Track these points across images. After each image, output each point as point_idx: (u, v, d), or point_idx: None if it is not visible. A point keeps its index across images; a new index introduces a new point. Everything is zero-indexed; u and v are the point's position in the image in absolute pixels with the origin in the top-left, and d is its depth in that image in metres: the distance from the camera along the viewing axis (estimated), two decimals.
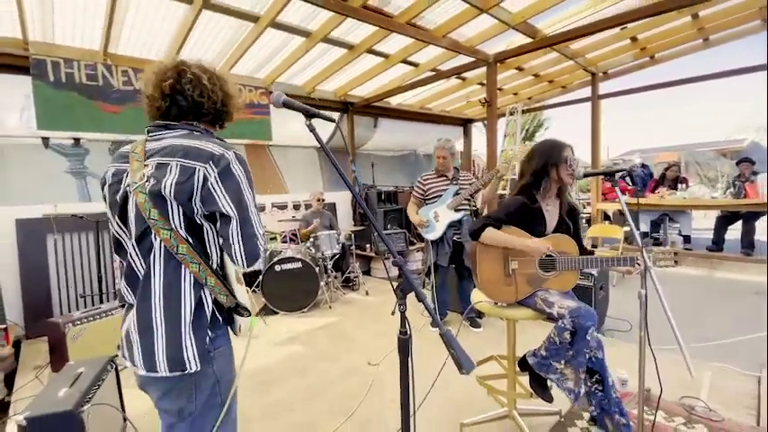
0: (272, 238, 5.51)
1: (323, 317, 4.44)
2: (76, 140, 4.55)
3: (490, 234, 2.07)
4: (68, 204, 4.30)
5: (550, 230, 2.14)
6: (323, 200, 5.57)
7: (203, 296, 1.16)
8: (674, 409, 2.35)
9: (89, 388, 1.98)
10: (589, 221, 7.56)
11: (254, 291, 4.71)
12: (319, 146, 1.16)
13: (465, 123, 9.18)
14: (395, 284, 1.15)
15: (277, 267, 4.46)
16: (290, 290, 4.51)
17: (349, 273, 5.56)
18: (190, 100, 1.21)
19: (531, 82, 7.36)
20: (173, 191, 1.08)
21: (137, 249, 1.16)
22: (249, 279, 4.90)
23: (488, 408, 2.35)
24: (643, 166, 8.21)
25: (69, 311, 4.01)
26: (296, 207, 6.33)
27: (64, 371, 2.17)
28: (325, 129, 5.06)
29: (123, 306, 1.24)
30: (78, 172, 4.62)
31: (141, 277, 1.14)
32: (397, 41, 5.00)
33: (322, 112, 1.23)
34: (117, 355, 2.29)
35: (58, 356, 3.07)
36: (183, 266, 1.13)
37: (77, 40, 4.05)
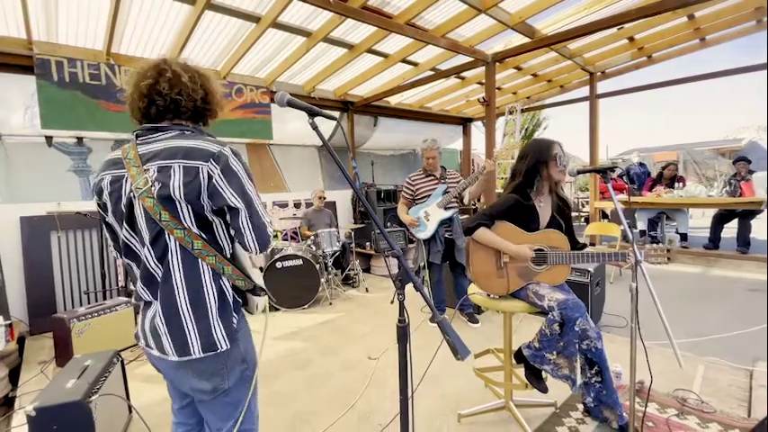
0: (273, 236, 5.56)
1: (323, 313, 4.49)
2: (80, 139, 4.61)
3: (481, 233, 2.16)
4: (72, 202, 4.35)
5: (543, 226, 2.21)
6: (324, 198, 5.62)
7: (223, 284, 1.23)
8: (666, 402, 2.40)
9: (96, 379, 2.04)
10: (587, 219, 7.62)
11: None
12: (320, 144, 1.21)
13: (464, 122, 9.23)
14: (394, 276, 1.21)
15: (278, 264, 4.51)
16: (291, 287, 4.56)
17: (349, 270, 5.62)
18: (167, 99, 1.21)
19: (529, 81, 7.42)
20: (182, 191, 1.12)
21: (152, 252, 1.18)
22: None
23: (486, 400, 2.41)
24: (640, 164, 8.27)
25: (73, 308, 4.06)
26: (296, 205, 6.38)
27: (71, 364, 2.23)
28: (325, 127, 5.12)
29: (130, 302, 1.28)
30: (81, 170, 4.68)
31: (160, 276, 1.19)
32: (396, 41, 5.05)
33: (324, 110, 1.26)
34: (123, 349, 2.35)
35: (63, 351, 3.12)
36: (199, 260, 1.18)
37: (81, 40, 4.10)
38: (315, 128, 1.23)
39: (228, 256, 1.26)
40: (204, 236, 1.19)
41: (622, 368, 2.58)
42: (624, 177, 7.98)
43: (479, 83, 6.83)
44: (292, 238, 5.84)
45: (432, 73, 5.99)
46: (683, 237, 6.69)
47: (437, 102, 7.83)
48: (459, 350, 1.06)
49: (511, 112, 8.14)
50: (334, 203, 6.72)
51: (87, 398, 1.88)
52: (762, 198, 5.46)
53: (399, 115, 7.73)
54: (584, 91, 7.48)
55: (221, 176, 1.15)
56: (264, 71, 5.44)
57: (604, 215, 7.71)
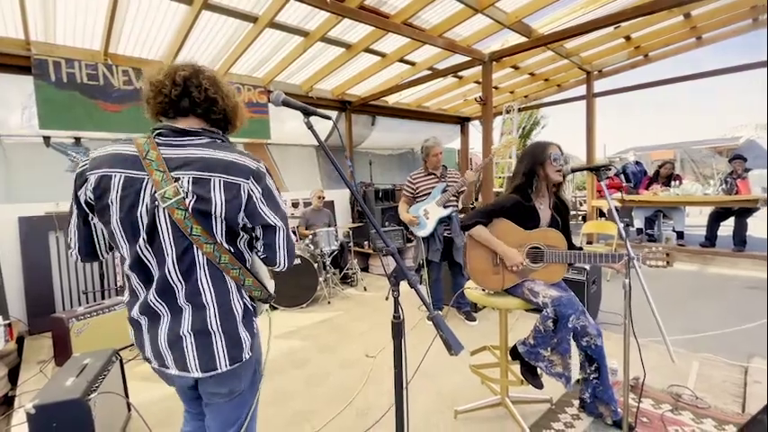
0: None
1: (322, 312, 4.51)
2: (77, 139, 4.61)
3: (478, 231, 2.19)
4: (70, 202, 4.34)
5: (544, 226, 2.23)
6: (323, 197, 5.63)
7: (244, 295, 1.22)
8: (661, 397, 2.43)
9: (95, 378, 2.05)
10: (585, 218, 7.65)
11: None
12: (317, 144, 1.23)
13: (462, 122, 9.25)
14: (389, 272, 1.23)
15: None
16: (290, 286, 4.57)
17: (347, 269, 5.64)
18: (204, 94, 1.15)
19: (526, 80, 7.44)
20: (224, 210, 1.08)
21: (176, 266, 1.11)
22: None
23: (482, 396, 2.43)
24: (637, 163, 8.30)
25: (72, 307, 4.07)
26: (294, 205, 6.39)
27: (70, 363, 2.24)
28: (323, 127, 5.14)
29: (129, 304, 1.20)
30: None
31: (184, 291, 1.13)
32: (393, 41, 5.06)
33: (319, 110, 1.27)
34: (122, 348, 2.35)
35: (62, 351, 3.14)
36: (224, 273, 1.16)
37: (78, 41, 4.10)
38: (310, 127, 1.24)
39: (249, 267, 1.24)
40: (232, 249, 1.17)
41: (618, 365, 2.61)
42: (621, 176, 8.02)
43: (477, 82, 6.85)
44: None
45: (429, 72, 6.01)
46: (680, 235, 6.73)
47: (435, 101, 7.85)
48: (452, 345, 1.07)
49: (508, 112, 8.16)
50: (332, 203, 6.73)
51: (86, 396, 1.90)
52: (757, 196, 5.50)
53: (397, 114, 7.75)
54: (582, 90, 7.51)
55: (262, 198, 1.14)
56: (262, 71, 5.45)
57: (602, 213, 7.74)
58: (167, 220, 1.08)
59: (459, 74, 6.43)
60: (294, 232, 5.69)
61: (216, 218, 1.09)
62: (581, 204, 10.95)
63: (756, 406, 2.27)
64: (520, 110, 8.36)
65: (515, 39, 5.08)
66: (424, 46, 5.06)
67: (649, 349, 2.98)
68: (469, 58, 5.13)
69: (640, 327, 1.85)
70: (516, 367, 2.29)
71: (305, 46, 4.68)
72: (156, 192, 1.06)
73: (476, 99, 5.44)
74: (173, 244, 1.09)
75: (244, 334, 1.19)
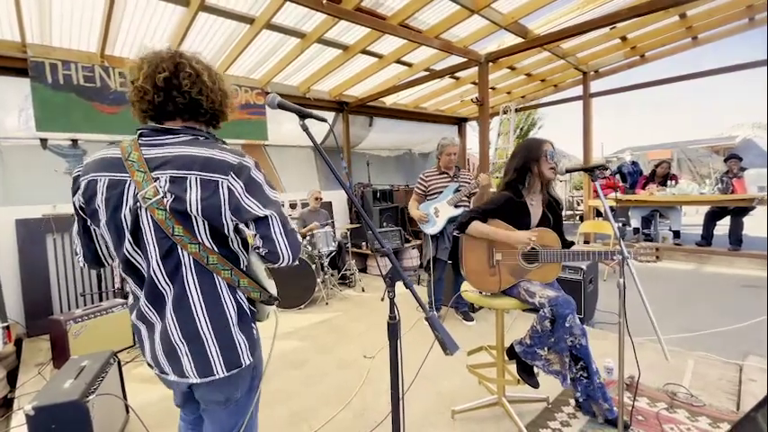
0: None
1: (320, 313, 4.52)
2: (74, 141, 4.60)
3: (476, 226, 2.17)
4: (67, 204, 4.34)
5: (535, 224, 2.25)
6: (320, 198, 5.64)
7: (239, 297, 1.18)
8: (657, 396, 2.44)
9: (93, 379, 2.05)
10: (582, 218, 7.67)
11: None
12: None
13: (459, 122, 9.28)
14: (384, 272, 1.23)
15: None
16: (288, 287, 4.57)
17: (345, 270, 5.64)
18: (187, 97, 1.12)
19: (523, 81, 7.46)
20: (199, 208, 1.04)
21: (162, 268, 1.09)
22: None
23: (480, 396, 2.44)
24: (633, 163, 8.33)
25: (69, 310, 4.07)
26: (292, 206, 6.39)
27: (68, 365, 2.25)
28: (321, 129, 5.14)
29: (126, 303, 1.22)
30: None
31: (171, 295, 1.10)
32: (390, 42, 5.08)
33: (315, 112, 1.25)
34: (120, 350, 2.35)
35: (60, 353, 3.14)
36: (214, 275, 1.12)
37: (75, 43, 4.11)
38: (305, 129, 1.24)
39: (244, 268, 1.20)
40: (219, 250, 1.12)
41: (614, 364, 2.62)
42: (617, 175, 8.05)
43: (473, 83, 6.86)
44: None
45: (426, 73, 6.02)
46: (677, 234, 6.75)
47: (432, 102, 7.87)
48: (447, 345, 1.08)
49: (505, 112, 8.18)
50: (330, 203, 6.74)
51: (84, 398, 1.90)
52: (753, 195, 5.53)
53: (395, 115, 7.77)
54: (578, 90, 7.55)
55: (245, 192, 1.07)
56: (259, 72, 5.46)
57: (599, 213, 7.77)
58: (149, 221, 1.06)
59: (457, 75, 6.45)
60: None
61: (194, 217, 1.06)
62: (578, 204, 10.99)
63: (751, 404, 2.28)
64: (517, 110, 8.38)
65: (512, 39, 5.10)
66: (420, 47, 5.08)
67: (646, 348, 3.00)
68: (466, 59, 5.15)
69: (637, 326, 1.87)
70: (513, 367, 2.30)
71: (302, 47, 4.69)
72: (137, 192, 1.05)
73: (472, 100, 5.46)
74: (156, 245, 1.08)
75: (239, 337, 1.15)
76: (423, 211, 3.86)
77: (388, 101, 7.34)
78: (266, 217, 1.09)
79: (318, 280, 4.78)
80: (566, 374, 2.01)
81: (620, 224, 7.42)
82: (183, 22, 3.86)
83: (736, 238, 5.90)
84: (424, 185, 3.91)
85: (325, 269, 5.07)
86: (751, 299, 4.19)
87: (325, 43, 4.83)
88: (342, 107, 6.83)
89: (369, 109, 7.15)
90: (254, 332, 1.23)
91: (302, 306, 4.66)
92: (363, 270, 6.46)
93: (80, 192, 1.11)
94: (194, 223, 1.07)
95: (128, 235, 1.09)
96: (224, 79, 1.25)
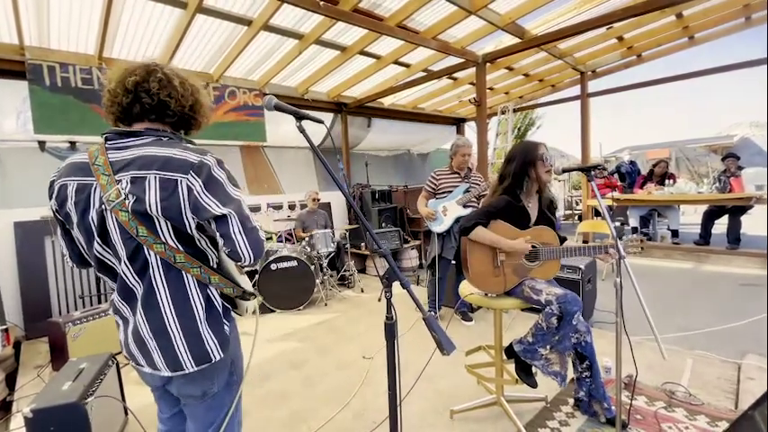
0: (268, 238, 5.57)
1: (319, 314, 4.52)
2: (72, 143, 4.60)
3: (480, 233, 2.18)
4: None
5: (533, 224, 2.26)
6: (318, 199, 5.64)
7: (210, 293, 1.19)
8: (655, 395, 2.45)
9: (92, 382, 2.05)
10: (580, 217, 7.68)
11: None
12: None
13: (458, 123, 9.27)
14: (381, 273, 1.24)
15: (273, 266, 4.53)
16: (287, 288, 4.58)
17: (344, 271, 5.64)
18: (155, 99, 1.14)
19: (521, 81, 7.48)
20: (159, 208, 1.05)
21: (130, 267, 1.11)
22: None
23: (479, 396, 2.45)
24: (631, 162, 8.35)
25: (68, 312, 4.06)
26: (291, 207, 6.40)
27: (66, 367, 2.25)
28: (319, 130, 5.15)
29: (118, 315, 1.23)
30: None
31: (140, 292, 1.13)
32: (388, 43, 5.08)
33: (311, 114, 1.26)
34: (119, 352, 2.35)
35: (59, 355, 3.14)
36: (183, 272, 1.13)
37: (72, 45, 4.11)
38: (302, 131, 1.25)
39: (214, 265, 1.21)
40: (185, 249, 1.13)
41: (612, 363, 2.63)
42: (615, 175, 8.06)
43: (471, 83, 6.87)
44: (287, 239, 5.86)
45: (424, 74, 6.03)
46: (675, 233, 6.76)
47: (430, 102, 7.87)
48: (444, 345, 1.09)
49: (503, 112, 8.19)
50: (329, 204, 6.75)
51: (83, 400, 1.90)
52: (750, 194, 5.54)
53: (393, 116, 7.77)
54: (576, 90, 7.57)
55: (204, 190, 1.06)
56: (257, 73, 5.46)
57: (597, 213, 7.78)
58: (115, 223, 1.08)
59: (454, 75, 6.46)
60: (291, 234, 5.70)
61: (156, 218, 1.07)
62: (576, 204, 11.00)
63: (749, 402, 2.28)
64: (515, 110, 8.40)
65: (509, 40, 5.11)
66: (418, 48, 5.09)
67: (644, 347, 3.00)
68: (463, 60, 5.16)
69: (636, 325, 1.88)
70: (511, 366, 2.31)
71: (300, 49, 4.70)
72: (102, 195, 1.07)
73: (470, 100, 5.47)
74: (123, 245, 1.10)
75: (207, 334, 1.16)
76: (431, 208, 3.86)
77: (387, 102, 7.35)
78: (225, 215, 1.09)
79: (317, 281, 4.79)
80: (564, 375, 2.02)
81: (619, 223, 7.43)
82: (181, 24, 3.86)
83: (734, 237, 5.91)
84: (435, 183, 3.92)
85: (324, 270, 5.07)
86: (749, 297, 4.20)
87: (323, 44, 4.83)
88: (340, 108, 6.83)
89: (367, 110, 7.16)
90: (226, 328, 1.22)
91: (301, 307, 4.66)
92: (362, 271, 6.46)
93: (54, 196, 1.14)
94: (157, 224, 1.08)
95: (96, 237, 1.12)
96: (200, 90, 1.26)
